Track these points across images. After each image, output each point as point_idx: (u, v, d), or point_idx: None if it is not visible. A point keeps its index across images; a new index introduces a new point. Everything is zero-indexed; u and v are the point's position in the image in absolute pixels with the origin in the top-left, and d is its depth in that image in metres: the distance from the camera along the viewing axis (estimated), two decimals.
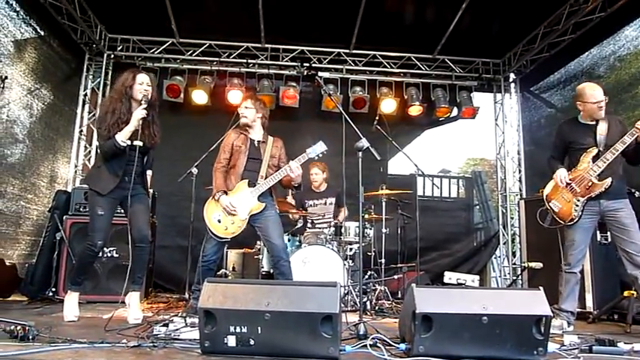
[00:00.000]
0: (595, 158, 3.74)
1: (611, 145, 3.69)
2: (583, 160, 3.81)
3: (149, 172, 4.14)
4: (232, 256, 6.24)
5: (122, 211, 3.84)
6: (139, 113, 3.56)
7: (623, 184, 3.83)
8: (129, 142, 3.54)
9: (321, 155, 4.10)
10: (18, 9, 5.64)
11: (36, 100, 6.13)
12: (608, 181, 3.66)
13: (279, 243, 4.05)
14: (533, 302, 2.56)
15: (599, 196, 3.73)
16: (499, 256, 8.31)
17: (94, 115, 7.34)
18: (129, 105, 3.64)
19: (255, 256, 5.65)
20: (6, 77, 3.65)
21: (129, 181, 3.65)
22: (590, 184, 3.72)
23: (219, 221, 4.00)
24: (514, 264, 7.72)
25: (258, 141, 4.22)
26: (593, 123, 3.85)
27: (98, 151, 4.46)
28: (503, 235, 8.03)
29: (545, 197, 4.03)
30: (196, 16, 6.96)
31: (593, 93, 3.79)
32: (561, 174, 3.86)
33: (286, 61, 7.68)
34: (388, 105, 7.58)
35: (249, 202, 4.03)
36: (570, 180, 3.82)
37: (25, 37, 5.90)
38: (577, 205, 3.78)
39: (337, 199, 5.91)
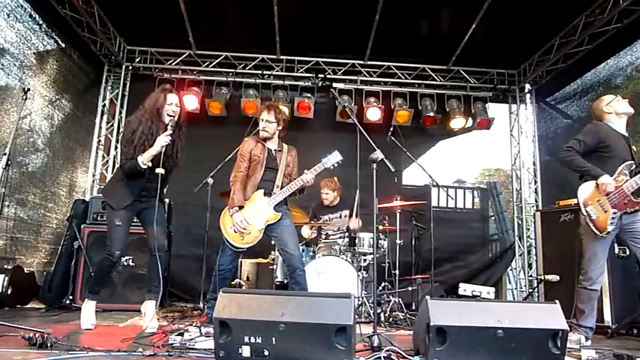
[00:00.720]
0: (631, 173, 3.61)
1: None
2: (622, 171, 3.64)
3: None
4: (246, 265, 6.27)
5: (138, 220, 3.89)
6: (162, 140, 3.58)
7: None
8: (150, 165, 3.59)
9: (336, 165, 4.10)
10: (40, 22, 5.80)
11: (57, 111, 6.28)
12: None
13: (295, 253, 4.06)
14: (549, 316, 2.53)
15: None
16: (515, 268, 8.20)
17: (111, 125, 7.48)
18: (157, 126, 3.68)
19: (270, 267, 5.67)
20: (28, 89, 3.72)
21: (146, 196, 3.73)
22: (627, 200, 3.57)
23: (235, 231, 4.03)
24: (530, 276, 7.62)
25: (275, 150, 4.26)
26: (627, 134, 3.78)
27: (118, 165, 4.52)
28: (519, 246, 7.94)
29: (581, 201, 3.74)
30: (213, 28, 7.06)
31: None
32: (607, 181, 3.59)
33: (301, 72, 7.75)
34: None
35: (266, 212, 4.07)
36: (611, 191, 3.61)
37: (47, 49, 6.06)
38: (613, 218, 3.58)
39: (350, 208, 5.90)
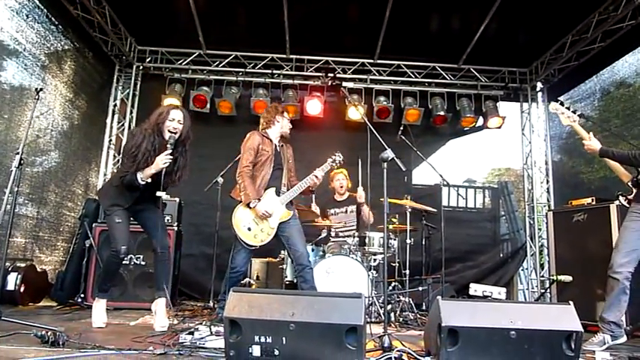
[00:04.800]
0: None
1: None
2: None
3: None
4: (256, 264, 6.27)
5: (136, 221, 3.92)
6: (161, 160, 3.56)
7: None
8: (149, 181, 3.60)
9: (340, 162, 4.33)
10: (57, 22, 5.87)
11: (75, 110, 6.40)
12: None
13: (303, 251, 4.10)
14: (563, 317, 2.50)
15: None
16: (526, 269, 8.13)
17: (122, 125, 7.53)
18: (160, 142, 3.67)
19: (280, 266, 5.66)
20: (41, 89, 3.74)
21: (141, 201, 3.77)
22: None
23: (249, 229, 4.03)
24: (542, 277, 7.55)
25: (280, 146, 4.31)
26: None
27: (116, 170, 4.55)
28: (531, 247, 7.87)
29: None
30: (223, 28, 7.08)
31: None
32: None
33: (311, 71, 7.73)
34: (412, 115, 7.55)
35: (279, 210, 4.10)
36: None
37: (65, 48, 6.15)
38: None
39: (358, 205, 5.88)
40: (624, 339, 3.61)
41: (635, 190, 3.75)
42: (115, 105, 7.55)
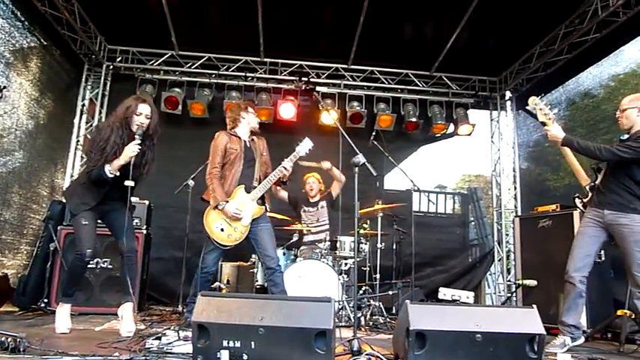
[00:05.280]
0: None
1: None
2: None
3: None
4: (227, 268, 6.22)
5: (103, 223, 3.84)
6: (130, 150, 3.53)
7: (628, 197, 3.57)
8: (117, 174, 3.55)
9: (308, 152, 4.21)
10: (22, 18, 5.69)
11: (41, 109, 6.20)
12: None
13: (273, 255, 4.08)
14: (526, 320, 2.56)
15: (603, 205, 3.67)
16: (494, 273, 8.31)
17: (91, 125, 7.35)
18: (128, 135, 3.63)
19: (250, 270, 5.63)
20: (5, 87, 3.64)
21: (109, 200, 3.70)
22: None
23: (222, 230, 3.99)
24: (509, 281, 7.71)
25: (251, 140, 4.28)
26: None
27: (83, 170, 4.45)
28: (498, 251, 8.04)
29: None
30: (196, 29, 7.02)
31: None
32: None
33: (285, 75, 7.73)
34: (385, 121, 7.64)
35: (250, 207, 4.06)
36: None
37: (31, 45, 5.96)
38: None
39: (328, 197, 5.93)
40: (582, 340, 3.73)
41: (590, 194, 3.87)
42: (84, 105, 7.37)
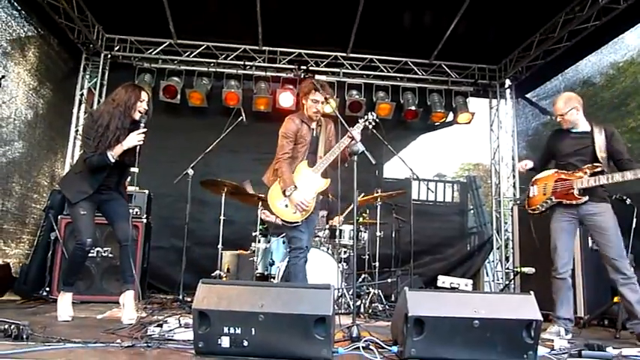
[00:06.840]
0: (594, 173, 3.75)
1: None
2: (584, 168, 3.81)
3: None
4: (227, 257, 6.24)
5: (100, 213, 3.85)
6: (136, 138, 3.59)
7: (598, 189, 3.75)
8: (118, 159, 3.60)
9: (374, 121, 4.03)
10: (19, 7, 5.66)
11: (39, 99, 6.21)
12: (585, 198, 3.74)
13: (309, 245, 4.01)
14: (523, 307, 2.58)
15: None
16: (492, 261, 8.36)
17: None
18: (128, 121, 3.67)
19: (250, 258, 5.66)
20: (3, 77, 3.64)
21: (105, 189, 3.73)
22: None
23: (286, 206, 3.85)
24: (507, 269, 7.77)
25: (315, 129, 4.08)
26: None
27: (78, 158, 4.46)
28: (497, 239, 8.08)
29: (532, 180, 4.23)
30: (194, 18, 6.98)
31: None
32: None
33: (283, 63, 7.71)
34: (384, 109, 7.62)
35: (314, 181, 3.91)
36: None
37: (28, 35, 5.94)
38: (546, 202, 3.97)
39: (329, 211, 5.86)
40: (570, 335, 3.75)
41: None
42: (82, 94, 7.36)
